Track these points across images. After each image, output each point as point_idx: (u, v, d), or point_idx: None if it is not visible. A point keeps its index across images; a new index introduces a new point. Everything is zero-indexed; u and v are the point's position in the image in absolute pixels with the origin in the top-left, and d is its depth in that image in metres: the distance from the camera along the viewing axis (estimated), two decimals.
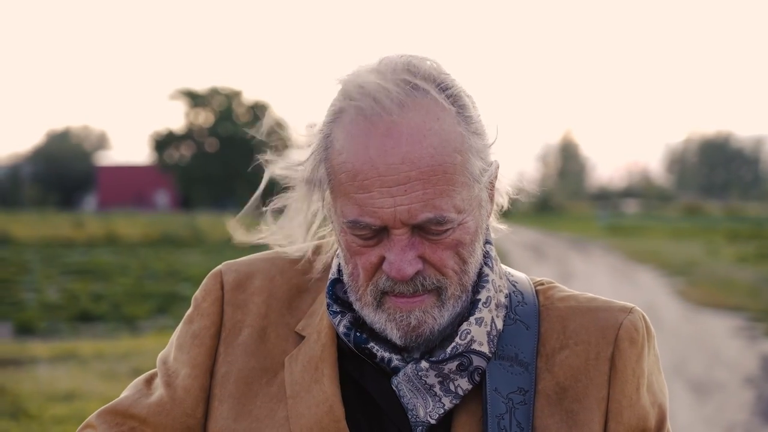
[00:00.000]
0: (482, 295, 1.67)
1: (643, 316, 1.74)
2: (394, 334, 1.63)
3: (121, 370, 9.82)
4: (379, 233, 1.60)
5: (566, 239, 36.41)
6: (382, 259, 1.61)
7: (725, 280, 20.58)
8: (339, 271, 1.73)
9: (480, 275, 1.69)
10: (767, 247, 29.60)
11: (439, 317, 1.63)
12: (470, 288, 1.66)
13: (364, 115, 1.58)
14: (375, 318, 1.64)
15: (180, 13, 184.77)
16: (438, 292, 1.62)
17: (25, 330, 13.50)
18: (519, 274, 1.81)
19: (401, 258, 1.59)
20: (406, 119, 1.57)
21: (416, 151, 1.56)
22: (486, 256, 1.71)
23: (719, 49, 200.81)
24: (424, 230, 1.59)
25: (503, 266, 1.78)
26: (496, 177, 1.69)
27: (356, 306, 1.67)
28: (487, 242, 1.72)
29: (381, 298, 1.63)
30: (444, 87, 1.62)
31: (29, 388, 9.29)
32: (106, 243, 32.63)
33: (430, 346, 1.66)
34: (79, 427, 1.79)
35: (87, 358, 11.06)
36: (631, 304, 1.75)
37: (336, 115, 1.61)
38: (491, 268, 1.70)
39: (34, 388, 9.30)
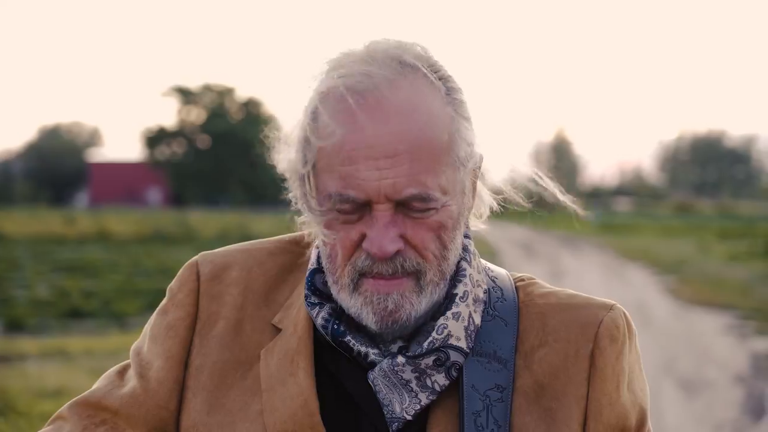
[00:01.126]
0: (459, 290, 1.65)
1: (624, 314, 1.70)
2: (370, 319, 1.60)
3: (110, 367, 9.75)
4: (361, 209, 1.57)
5: (558, 237, 36.43)
6: (363, 237, 1.58)
7: (716, 278, 20.61)
8: (318, 261, 1.70)
9: (457, 269, 1.66)
10: (758, 245, 29.63)
11: (416, 303, 1.60)
12: (448, 277, 1.64)
13: (354, 90, 1.56)
14: (351, 302, 1.61)
15: (172, 9, 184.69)
16: (417, 276, 1.59)
17: (14, 326, 13.47)
18: (499, 270, 1.78)
19: (383, 235, 1.56)
20: (395, 94, 1.56)
21: (405, 125, 1.55)
22: (464, 250, 1.68)
23: (712, 47, 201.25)
24: (407, 208, 1.57)
25: (483, 261, 1.76)
26: (480, 169, 1.68)
27: (333, 290, 1.64)
28: (466, 236, 1.70)
29: (358, 280, 1.60)
30: (434, 69, 1.62)
31: (18, 385, 9.27)
32: (97, 239, 32.55)
33: (404, 334, 1.63)
34: (50, 419, 1.76)
35: (76, 354, 11.05)
36: (612, 301, 1.72)
37: (324, 93, 1.59)
38: (469, 263, 1.68)
39: (22, 385, 9.28)
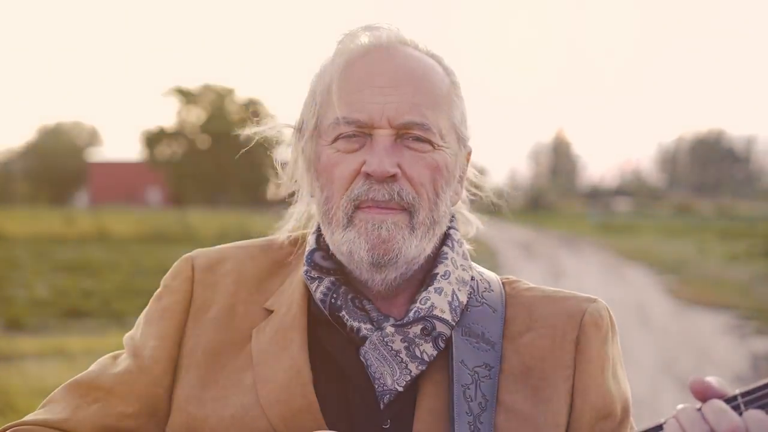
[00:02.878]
0: (440, 269, 1.73)
1: (608, 308, 1.79)
2: (363, 248, 1.66)
3: None
4: (363, 137, 1.66)
5: (557, 237, 36.42)
6: (362, 166, 1.66)
7: (716, 278, 20.62)
8: (316, 241, 1.77)
9: (439, 253, 1.75)
10: (758, 245, 29.61)
11: (408, 239, 1.66)
12: (438, 232, 1.72)
13: (368, 42, 1.72)
14: (344, 238, 1.67)
15: (173, 9, 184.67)
16: (410, 213, 1.67)
17: (14, 326, 13.46)
18: (486, 270, 1.87)
19: (383, 155, 1.64)
20: (402, 48, 1.73)
21: (410, 65, 1.70)
22: (447, 237, 1.76)
23: (711, 48, 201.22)
24: (407, 138, 1.66)
25: (472, 263, 1.83)
26: (470, 155, 1.80)
27: (327, 235, 1.71)
28: (450, 228, 1.78)
29: (353, 213, 1.66)
30: (429, 50, 1.77)
31: (17, 384, 9.27)
32: (97, 239, 32.51)
33: (393, 279, 1.68)
34: (42, 403, 1.79)
35: (76, 354, 11.04)
36: (596, 296, 1.80)
37: (340, 49, 1.74)
38: (451, 248, 1.76)
39: (22, 384, 9.28)
